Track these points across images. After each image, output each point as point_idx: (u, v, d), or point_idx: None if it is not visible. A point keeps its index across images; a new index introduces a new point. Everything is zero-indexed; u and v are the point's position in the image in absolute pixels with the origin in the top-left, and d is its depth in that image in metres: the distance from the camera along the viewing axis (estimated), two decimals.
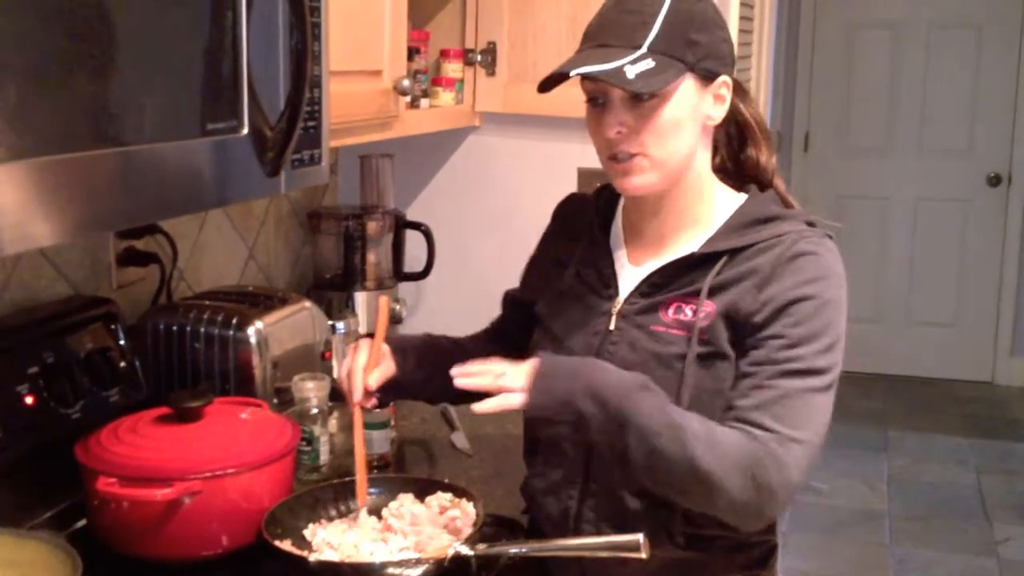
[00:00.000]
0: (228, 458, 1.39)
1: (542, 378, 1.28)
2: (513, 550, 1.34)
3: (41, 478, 1.43)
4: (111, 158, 1.06)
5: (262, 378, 1.70)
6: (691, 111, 1.33)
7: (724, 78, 1.36)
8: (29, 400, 1.43)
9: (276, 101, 1.31)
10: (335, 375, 1.77)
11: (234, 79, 1.24)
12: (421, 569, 1.30)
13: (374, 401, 1.48)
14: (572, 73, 1.29)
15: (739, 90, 1.42)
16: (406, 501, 1.47)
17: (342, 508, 1.47)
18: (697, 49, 1.32)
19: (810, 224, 1.39)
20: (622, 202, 1.48)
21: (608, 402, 1.25)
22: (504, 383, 1.28)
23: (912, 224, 5.40)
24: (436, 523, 1.41)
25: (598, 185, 1.53)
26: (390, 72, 1.82)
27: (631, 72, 1.28)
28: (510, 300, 1.62)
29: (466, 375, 1.32)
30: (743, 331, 1.31)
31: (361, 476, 1.45)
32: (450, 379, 1.37)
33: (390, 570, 1.29)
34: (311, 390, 1.67)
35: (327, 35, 1.43)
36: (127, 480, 1.33)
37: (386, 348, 1.49)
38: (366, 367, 1.45)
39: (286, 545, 1.35)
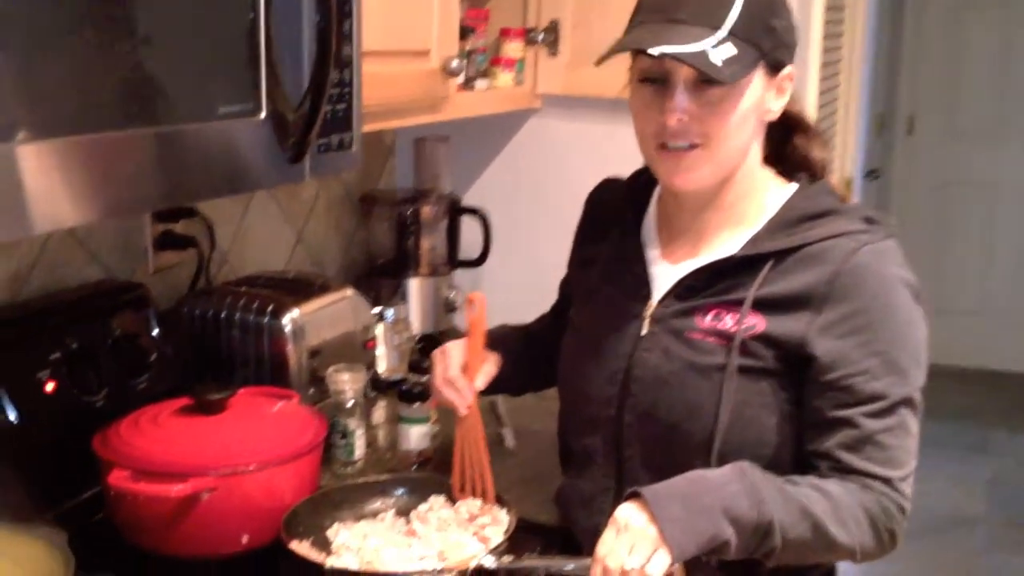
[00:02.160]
0: (248, 453, 1.33)
1: (670, 524, 1.10)
2: (542, 565, 1.24)
3: (62, 467, 1.39)
4: (127, 139, 1.02)
5: (297, 367, 1.64)
6: (756, 103, 1.22)
7: (789, 69, 1.24)
8: (50, 386, 1.39)
9: (301, 84, 1.24)
10: (408, 369, 1.70)
11: (252, 59, 1.17)
12: None
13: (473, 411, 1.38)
14: (650, 51, 1.16)
15: None
16: (436, 504, 1.39)
17: (368, 508, 1.41)
18: (773, 36, 1.20)
19: (869, 221, 1.25)
20: (657, 191, 1.37)
21: (744, 519, 1.13)
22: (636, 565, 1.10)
23: (1022, 212, 5.12)
24: (464, 529, 1.33)
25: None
26: (439, 52, 1.73)
27: (716, 57, 1.15)
28: (564, 287, 1.53)
29: None
30: (799, 356, 1.20)
31: (486, 478, 1.36)
32: (533, 370, 1.42)
33: None
34: (346, 382, 1.61)
35: (362, 14, 1.35)
36: (141, 474, 1.28)
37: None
38: (466, 369, 1.38)
39: (304, 546, 1.28)
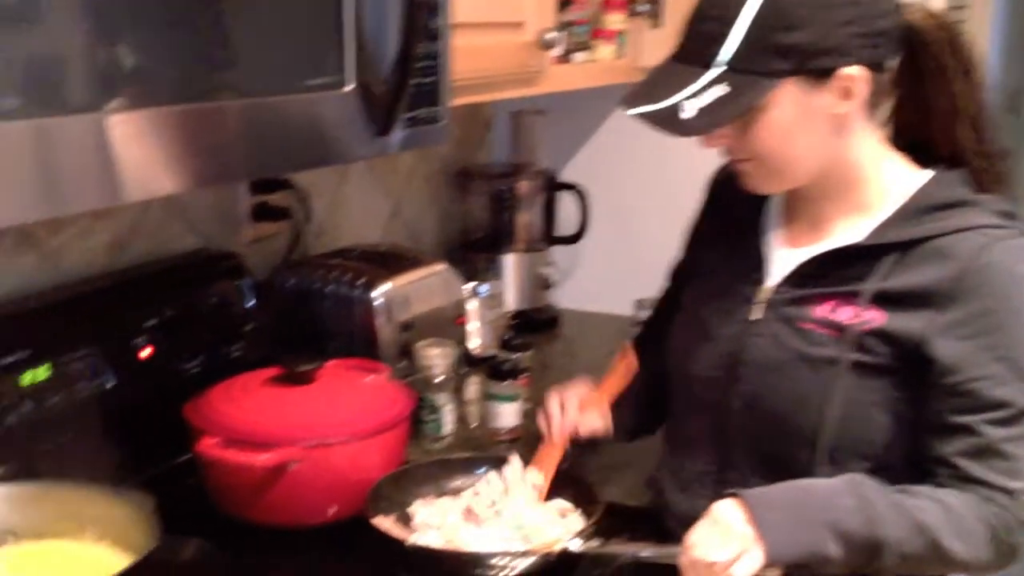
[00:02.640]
0: (335, 426, 1.32)
1: (769, 530, 1.07)
2: (629, 551, 1.20)
3: (154, 433, 1.41)
4: (215, 111, 1.02)
5: (387, 341, 1.63)
6: (802, 114, 1.13)
7: (849, 71, 1.12)
8: (145, 353, 1.41)
9: (389, 56, 1.22)
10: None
11: (339, 31, 1.16)
12: (526, 563, 1.20)
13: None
14: (628, 114, 1.14)
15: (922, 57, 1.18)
16: (517, 483, 1.37)
17: (450, 485, 1.39)
18: (794, 53, 1.10)
19: (1005, 215, 1.17)
20: None
21: (854, 536, 1.08)
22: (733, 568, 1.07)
23: None
24: (549, 511, 1.31)
25: None
26: (534, 24, 1.70)
27: (691, 108, 1.10)
28: (677, 273, 1.46)
29: None
30: (918, 356, 1.13)
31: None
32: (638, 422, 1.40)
33: (492, 561, 1.20)
34: (436, 357, 1.60)
35: None
36: (230, 442, 1.29)
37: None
38: (578, 413, 1.37)
39: (387, 522, 1.28)
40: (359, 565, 1.29)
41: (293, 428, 1.31)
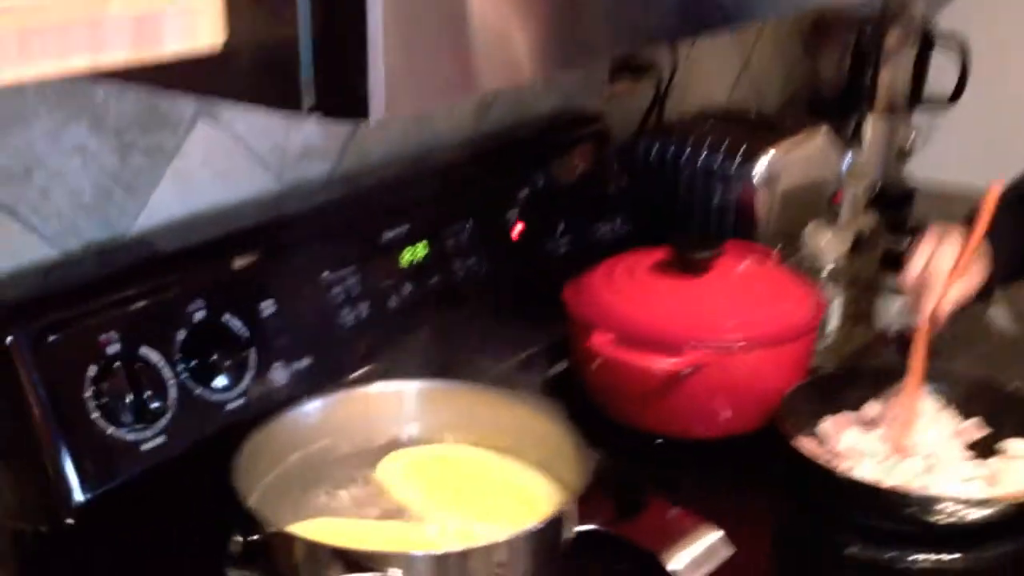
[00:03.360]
0: (740, 328, 1.13)
1: None
2: None
3: (518, 316, 1.26)
4: None
5: (766, 221, 1.43)
6: None
7: None
8: (517, 229, 1.26)
9: None
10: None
11: None
12: (987, 511, 1.01)
13: (939, 324, 1.16)
14: None
15: None
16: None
17: (859, 397, 1.19)
18: None
19: None
20: None
21: None
22: None
23: None
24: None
25: None
26: None
27: None
28: None
29: None
30: None
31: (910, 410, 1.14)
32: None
33: (948, 507, 1.01)
34: (829, 243, 1.38)
35: None
36: (626, 340, 1.13)
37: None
38: (949, 276, 1.14)
39: (810, 445, 1.10)
40: (763, 487, 1.13)
41: (697, 328, 1.13)
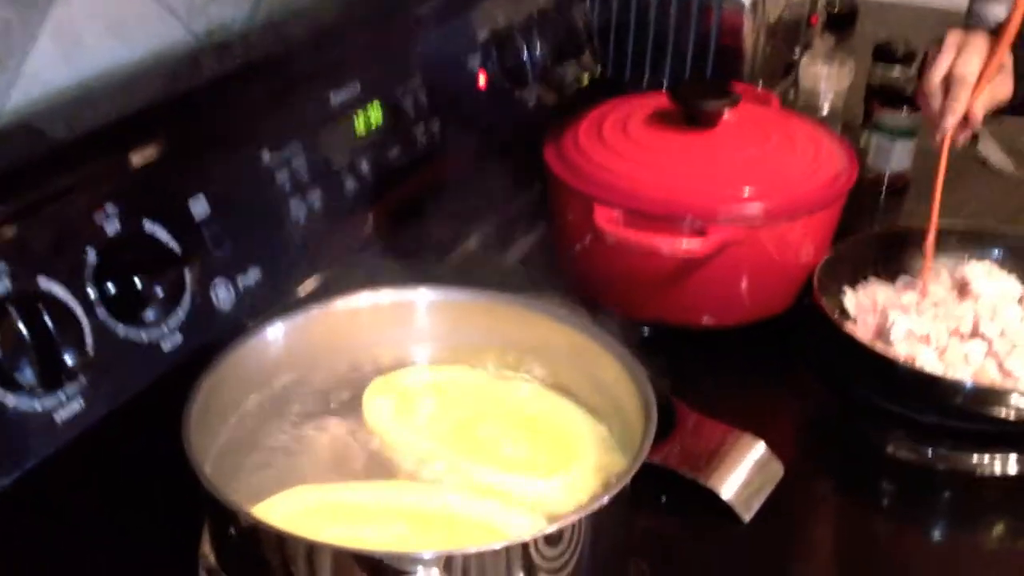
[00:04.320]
0: (770, 194, 0.94)
1: None
2: None
3: (497, 184, 1.04)
4: None
5: (752, 56, 1.22)
6: None
7: None
8: (481, 79, 1.03)
9: None
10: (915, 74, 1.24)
11: None
12: None
13: (967, 134, 0.99)
14: None
15: None
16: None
17: (891, 268, 1.04)
18: None
19: None
20: None
21: None
22: None
23: None
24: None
25: None
26: None
27: None
28: None
29: None
30: None
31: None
32: None
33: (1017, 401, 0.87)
34: (826, 79, 1.20)
35: None
36: (635, 216, 0.93)
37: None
38: (977, 83, 0.95)
39: (858, 328, 0.94)
40: (788, 380, 0.97)
41: (718, 198, 0.94)
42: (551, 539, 0.60)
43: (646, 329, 0.99)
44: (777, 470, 0.82)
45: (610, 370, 0.74)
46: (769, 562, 0.78)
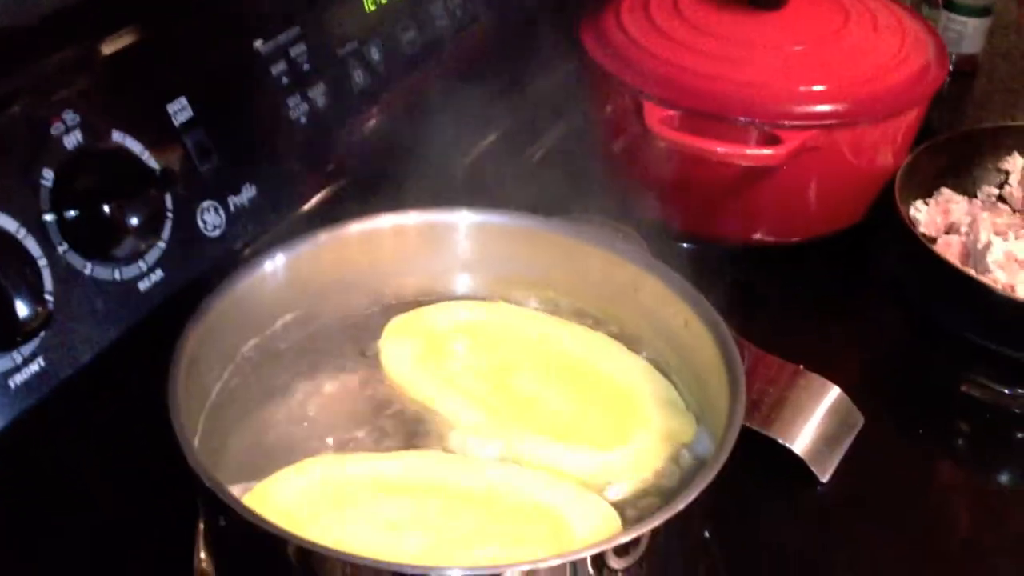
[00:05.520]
0: (850, 91, 0.81)
1: None
2: None
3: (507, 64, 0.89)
4: None
5: None
6: None
7: None
8: None
9: None
10: None
11: None
12: None
13: None
14: None
15: None
16: None
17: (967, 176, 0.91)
18: None
19: None
20: None
21: None
22: None
23: None
24: None
25: None
26: None
27: None
28: None
29: None
30: None
31: None
32: None
33: None
34: None
35: None
36: (692, 116, 0.79)
37: None
38: None
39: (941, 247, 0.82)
40: (856, 303, 0.86)
41: (789, 95, 0.80)
42: (619, 550, 0.49)
43: (695, 245, 0.87)
44: (855, 419, 0.71)
45: (678, 315, 0.62)
46: (843, 524, 0.68)
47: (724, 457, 0.51)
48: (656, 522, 0.49)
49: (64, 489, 0.55)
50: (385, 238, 0.66)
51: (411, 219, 0.66)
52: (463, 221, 0.66)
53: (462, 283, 0.68)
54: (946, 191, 0.89)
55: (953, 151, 0.91)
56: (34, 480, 0.54)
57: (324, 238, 0.64)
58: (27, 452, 0.54)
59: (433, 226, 0.66)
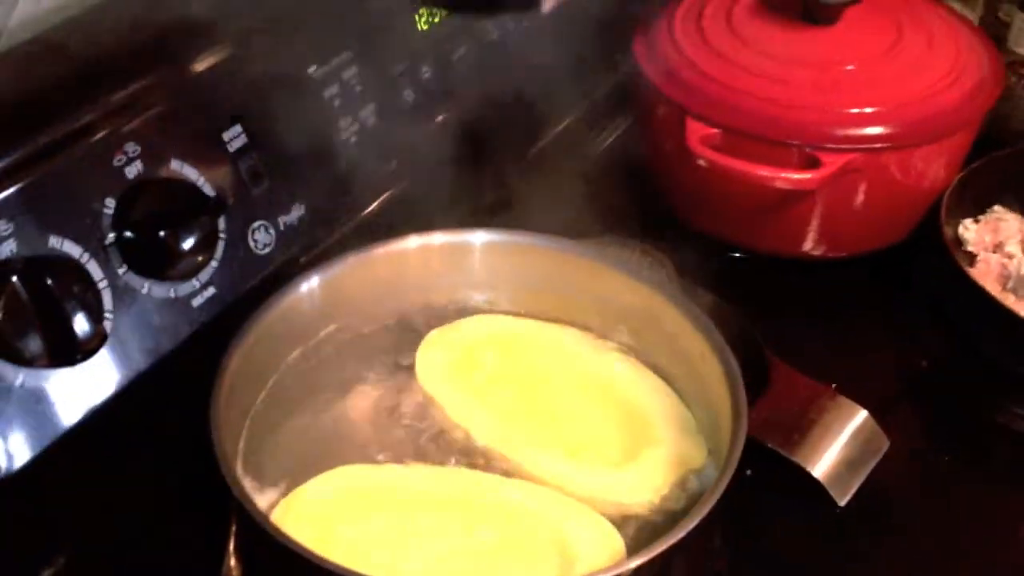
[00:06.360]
0: (901, 112, 0.81)
1: None
2: None
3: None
4: None
5: None
6: None
7: None
8: None
9: None
10: None
11: None
12: None
13: None
14: None
15: None
16: None
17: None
18: None
19: None
20: None
21: None
22: None
23: None
24: None
25: None
26: None
27: None
28: None
29: None
30: None
31: None
32: None
33: None
34: None
35: None
36: (735, 135, 0.81)
37: None
38: None
39: (979, 271, 0.82)
40: (892, 325, 0.87)
41: (837, 117, 0.81)
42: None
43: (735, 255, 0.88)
44: (880, 444, 0.73)
45: (695, 344, 0.65)
46: (861, 548, 0.70)
47: (713, 501, 0.54)
48: (657, 550, 0.53)
49: (112, 488, 0.61)
50: (412, 256, 0.70)
51: (436, 239, 0.70)
52: (486, 240, 0.71)
53: (486, 301, 0.72)
54: (998, 208, 0.89)
55: (1011, 165, 0.90)
56: (89, 478, 0.60)
57: (351, 260, 0.68)
58: (91, 449, 0.60)
59: (457, 245, 0.70)
